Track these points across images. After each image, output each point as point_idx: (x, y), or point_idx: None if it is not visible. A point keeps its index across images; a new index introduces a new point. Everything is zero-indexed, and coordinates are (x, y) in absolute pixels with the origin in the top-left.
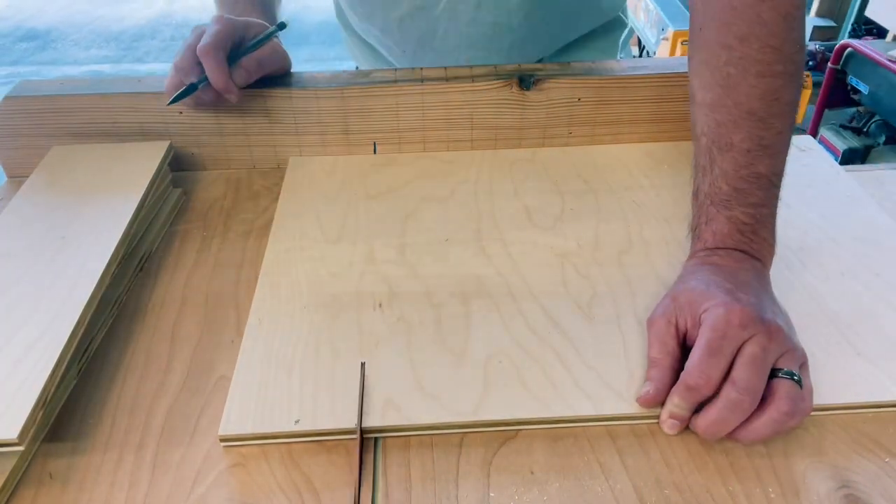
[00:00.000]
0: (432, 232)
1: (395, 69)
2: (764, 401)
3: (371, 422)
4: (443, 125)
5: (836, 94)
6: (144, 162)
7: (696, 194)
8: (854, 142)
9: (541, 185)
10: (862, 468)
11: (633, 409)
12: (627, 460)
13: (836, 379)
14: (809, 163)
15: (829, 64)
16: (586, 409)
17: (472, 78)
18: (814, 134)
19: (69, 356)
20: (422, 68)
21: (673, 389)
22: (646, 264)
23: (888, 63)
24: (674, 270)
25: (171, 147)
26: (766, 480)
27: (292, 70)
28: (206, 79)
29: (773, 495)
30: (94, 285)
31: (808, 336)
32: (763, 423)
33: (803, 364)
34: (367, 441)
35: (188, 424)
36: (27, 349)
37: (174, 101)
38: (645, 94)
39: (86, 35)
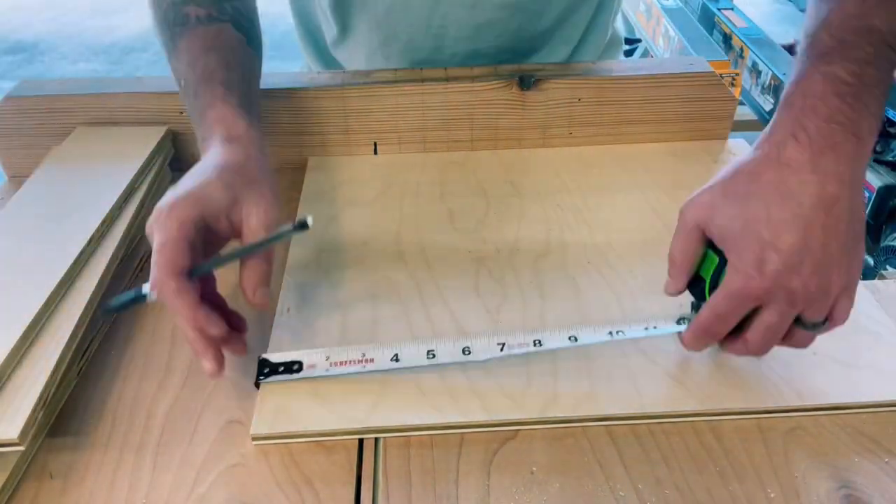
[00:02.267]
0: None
1: (395, 70)
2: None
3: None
4: (443, 125)
5: None
6: (144, 142)
7: (793, 59)
8: (890, 177)
9: (467, 188)
10: (862, 468)
11: (525, 414)
12: (627, 460)
13: (835, 379)
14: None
15: None
16: (478, 416)
17: (472, 78)
18: None
19: (69, 356)
20: (422, 69)
21: (689, 327)
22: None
23: None
24: (590, 278)
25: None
26: (766, 480)
27: (293, 71)
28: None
29: (773, 495)
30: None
31: None
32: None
33: (846, 291)
34: (367, 441)
35: (188, 424)
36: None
37: (111, 310)
38: (645, 94)
39: (74, 47)
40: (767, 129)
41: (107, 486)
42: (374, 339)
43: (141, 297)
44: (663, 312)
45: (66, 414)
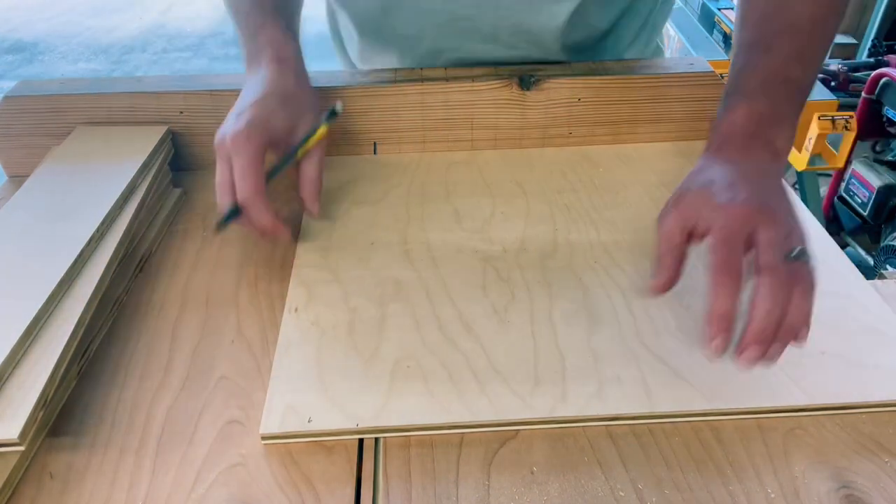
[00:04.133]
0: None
1: (395, 70)
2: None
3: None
4: (443, 125)
5: (871, 126)
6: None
7: (724, 93)
8: (890, 177)
9: (473, 188)
10: (862, 468)
11: (534, 414)
12: (627, 460)
13: (843, 379)
14: None
15: (864, 94)
16: (487, 415)
17: (472, 78)
18: (845, 168)
19: (69, 357)
20: (421, 69)
21: (706, 320)
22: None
23: None
24: (596, 275)
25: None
26: (766, 480)
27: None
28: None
29: (773, 495)
30: (71, 259)
31: None
32: (799, 298)
33: (803, 238)
34: (367, 441)
35: (188, 424)
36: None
37: (221, 227)
38: (645, 94)
39: (74, 47)
40: (705, 146)
41: (107, 487)
42: (382, 338)
43: (236, 212)
44: (672, 311)
45: (66, 414)
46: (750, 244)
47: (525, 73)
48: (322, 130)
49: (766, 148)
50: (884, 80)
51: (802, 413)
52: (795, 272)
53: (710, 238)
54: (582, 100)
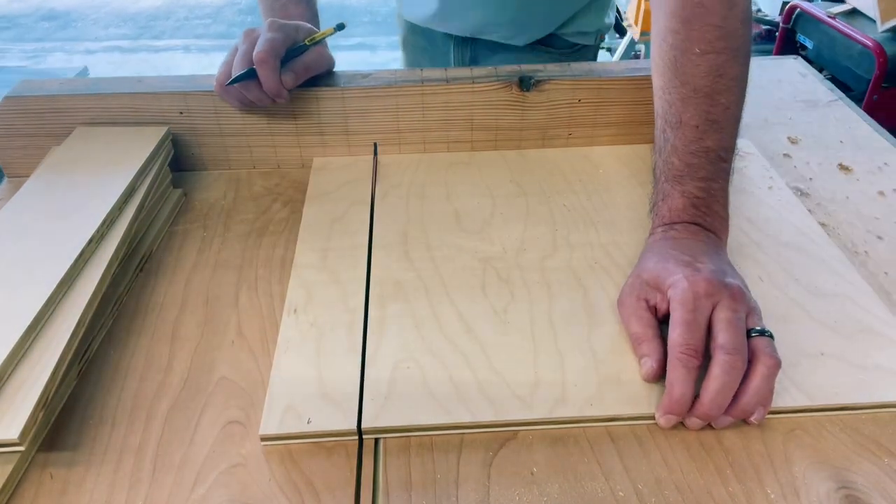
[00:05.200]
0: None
1: (395, 70)
2: (749, 363)
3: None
4: (443, 126)
5: (787, 51)
6: (144, 142)
7: (654, 173)
8: None
9: (473, 188)
10: (862, 468)
11: (534, 415)
12: (627, 461)
13: (844, 380)
14: (745, 167)
15: (781, 24)
16: (487, 416)
17: (473, 79)
18: None
19: (69, 357)
20: (422, 69)
21: (664, 399)
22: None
23: (828, 20)
24: (594, 275)
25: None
26: (766, 481)
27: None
28: (253, 72)
29: (773, 496)
30: (72, 259)
31: None
32: (759, 380)
33: (760, 316)
34: (367, 442)
35: (188, 424)
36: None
37: (234, 81)
38: (645, 94)
39: (104, 16)
40: (653, 220)
41: (107, 487)
42: (382, 338)
43: (250, 73)
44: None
45: (66, 414)
46: (710, 319)
47: (525, 73)
48: (329, 30)
49: (709, 228)
50: (797, 11)
51: (802, 414)
52: (757, 349)
53: (674, 309)
54: (582, 100)
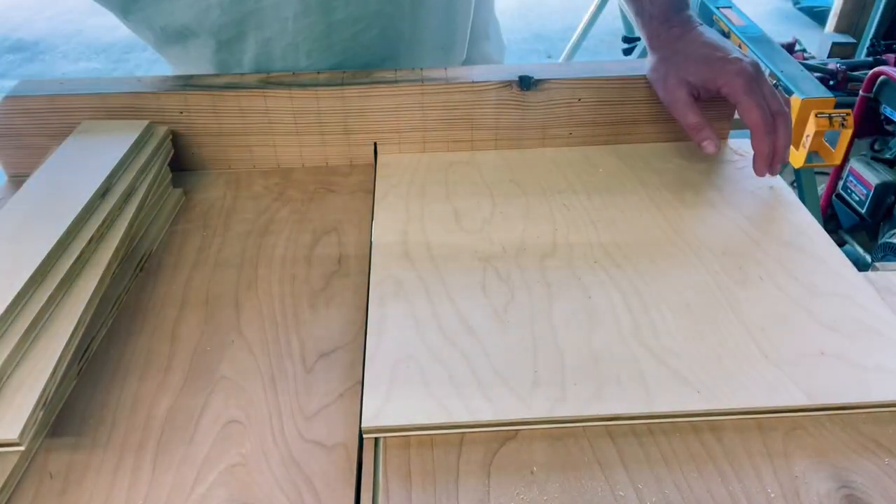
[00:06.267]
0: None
1: (396, 70)
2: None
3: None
4: (443, 125)
5: (868, 124)
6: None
7: (639, 24)
8: (888, 175)
9: (473, 188)
10: (862, 468)
11: (533, 414)
12: (627, 460)
13: (844, 379)
14: (745, 167)
15: (861, 92)
16: (487, 416)
17: (473, 79)
18: (842, 166)
19: (69, 356)
20: (422, 69)
21: (758, 157)
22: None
23: None
24: (594, 275)
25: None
26: (766, 480)
27: (293, 70)
28: None
29: (773, 495)
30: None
31: (719, 339)
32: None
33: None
34: (367, 441)
35: (188, 424)
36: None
37: None
38: (645, 94)
39: (75, 46)
40: (647, 26)
41: (107, 486)
42: (382, 338)
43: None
44: (671, 311)
45: (66, 414)
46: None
47: (525, 73)
48: None
49: (696, 20)
50: (881, 78)
51: (802, 413)
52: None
53: (744, 94)
54: (582, 100)
